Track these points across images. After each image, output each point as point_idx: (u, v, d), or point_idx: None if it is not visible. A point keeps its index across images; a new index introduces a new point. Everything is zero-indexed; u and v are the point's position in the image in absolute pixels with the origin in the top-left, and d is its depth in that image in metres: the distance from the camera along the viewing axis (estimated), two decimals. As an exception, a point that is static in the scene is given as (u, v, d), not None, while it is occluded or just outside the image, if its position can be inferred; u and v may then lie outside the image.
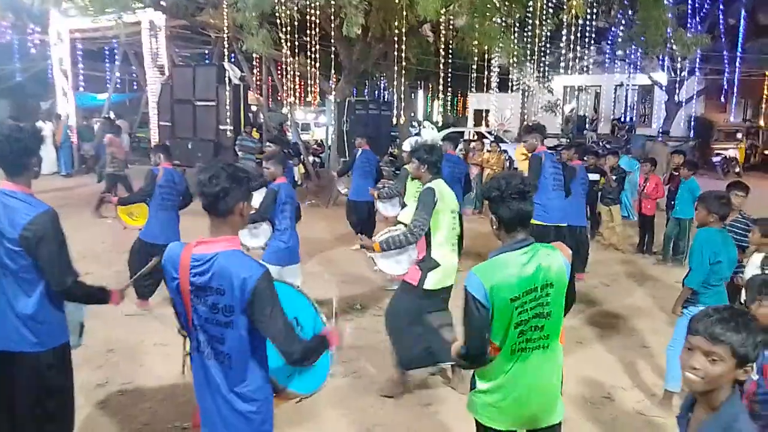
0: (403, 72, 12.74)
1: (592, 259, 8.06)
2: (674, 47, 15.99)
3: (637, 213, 9.43)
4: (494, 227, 2.49)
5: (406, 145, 7.62)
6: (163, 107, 15.06)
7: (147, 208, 6.02)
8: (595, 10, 14.94)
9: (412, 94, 30.22)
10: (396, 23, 11.58)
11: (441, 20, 11.90)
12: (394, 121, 14.96)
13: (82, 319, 3.16)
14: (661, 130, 20.71)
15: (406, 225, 4.52)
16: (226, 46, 13.73)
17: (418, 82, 29.45)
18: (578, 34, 14.85)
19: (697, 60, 19.91)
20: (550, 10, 13.46)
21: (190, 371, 2.56)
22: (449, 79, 15.60)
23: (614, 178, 9.33)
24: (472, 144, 13.79)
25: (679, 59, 19.60)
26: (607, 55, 21.83)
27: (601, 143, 20.45)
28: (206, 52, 21.37)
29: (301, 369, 2.50)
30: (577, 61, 17.55)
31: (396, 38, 11.87)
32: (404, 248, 4.19)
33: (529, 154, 6.51)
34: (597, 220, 9.83)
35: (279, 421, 2.58)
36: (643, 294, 7.23)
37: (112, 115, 18.47)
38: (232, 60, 15.69)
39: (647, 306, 6.76)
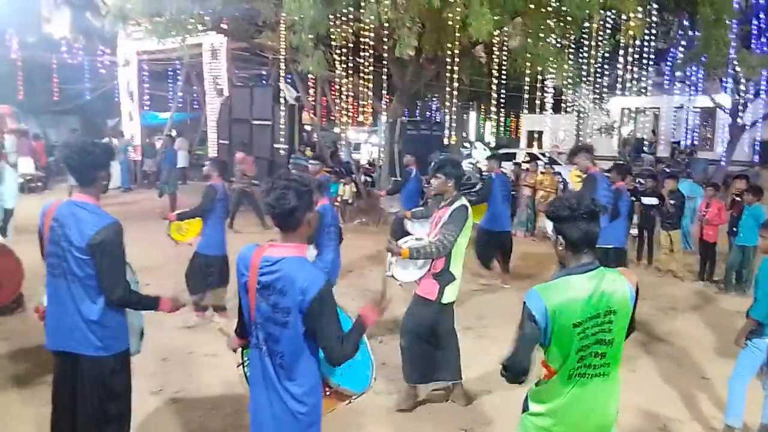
0: (455, 92, 12.77)
1: (647, 284, 7.79)
2: (738, 69, 15.44)
3: (698, 239, 9.07)
4: (560, 248, 2.44)
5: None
6: (221, 126, 15.59)
7: (197, 223, 6.15)
8: (653, 31, 14.61)
9: (464, 115, 30.25)
10: (449, 44, 11.65)
11: (494, 41, 11.91)
12: (446, 141, 14.95)
13: (143, 325, 3.28)
14: (723, 154, 19.95)
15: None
16: (283, 67, 14.12)
17: (471, 103, 29.46)
18: (636, 55, 14.57)
19: (763, 82, 19.12)
20: (607, 31, 13.28)
21: (244, 384, 2.67)
22: (502, 100, 15.53)
23: (672, 202, 9.04)
24: (525, 165, 13.62)
25: (744, 81, 18.86)
26: (666, 77, 21.23)
27: (659, 167, 19.82)
28: (263, 73, 22.05)
29: (345, 366, 2.53)
30: (634, 82, 17.13)
31: (448, 59, 11.94)
32: (427, 260, 4.22)
33: (583, 175, 6.39)
34: (651, 244, 9.53)
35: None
36: (703, 323, 6.92)
37: (173, 133, 19.21)
38: (288, 81, 16.12)
39: (707, 336, 6.47)
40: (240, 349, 2.74)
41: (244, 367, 2.71)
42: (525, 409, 2.54)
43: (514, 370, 2.39)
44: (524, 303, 2.34)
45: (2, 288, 4.09)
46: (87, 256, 2.81)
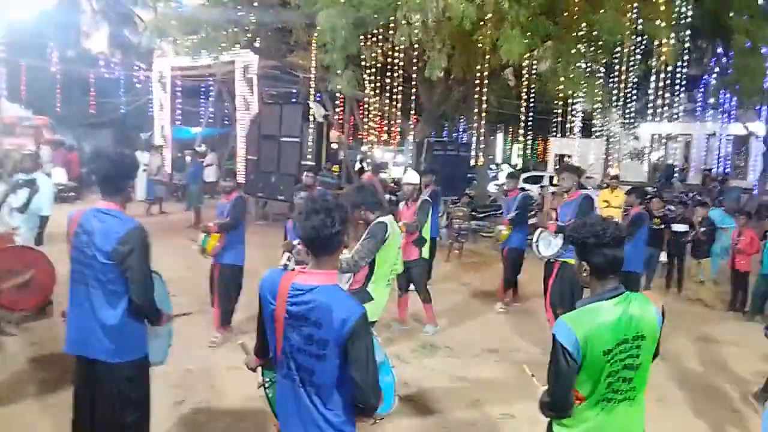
0: (483, 114, 12.78)
1: (677, 312, 7.62)
2: (773, 97, 15.18)
3: (731, 268, 8.85)
4: (584, 274, 2.42)
5: (411, 176, 7.38)
6: (250, 142, 15.80)
7: (215, 235, 5.90)
8: (686, 57, 14.47)
9: (492, 137, 30.18)
10: (478, 66, 11.69)
11: (523, 64, 11.92)
12: (472, 162, 14.93)
13: (171, 330, 3.31)
14: (756, 183, 19.54)
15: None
16: (313, 85, 14.31)
17: (498, 125, 29.41)
18: (668, 81, 14.42)
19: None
20: (638, 56, 13.19)
21: (266, 405, 2.62)
22: (530, 123, 15.49)
23: (703, 230, 8.86)
24: (552, 189, 13.51)
25: (778, 109, 18.54)
26: (698, 103, 20.97)
27: (690, 195, 19.50)
28: (293, 91, 22.36)
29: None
30: (665, 108, 16.95)
31: (477, 81, 11.97)
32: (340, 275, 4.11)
33: (568, 198, 6.02)
34: (681, 271, 9.33)
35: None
36: (733, 354, 6.71)
37: (203, 147, 19.53)
38: (318, 99, 16.31)
39: (738, 367, 6.27)
40: (260, 369, 2.68)
41: (266, 388, 2.65)
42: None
43: (557, 408, 2.35)
44: (554, 335, 2.30)
45: (35, 294, 4.17)
46: (112, 260, 2.85)
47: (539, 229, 6.01)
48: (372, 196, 4.46)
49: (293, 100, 21.16)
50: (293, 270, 2.36)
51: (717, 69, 16.51)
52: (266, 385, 2.64)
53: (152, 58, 18.84)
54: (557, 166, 25.26)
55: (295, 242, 5.08)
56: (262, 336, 2.51)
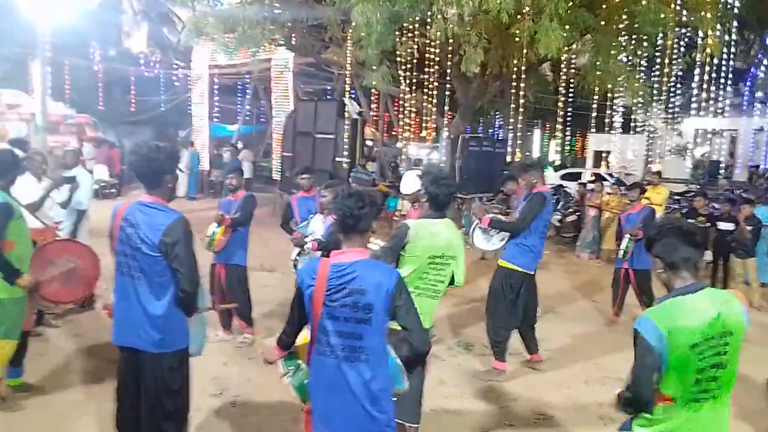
0: (520, 110, 12.59)
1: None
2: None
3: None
4: (659, 271, 2.43)
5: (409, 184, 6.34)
6: (285, 139, 15.92)
7: (220, 231, 5.67)
8: (732, 49, 13.98)
9: (528, 132, 29.81)
10: (515, 61, 11.51)
11: (562, 58, 11.69)
12: (508, 158, 14.73)
13: (204, 322, 3.36)
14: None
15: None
16: (348, 82, 14.34)
17: (535, 121, 29.00)
18: (713, 75, 13.96)
19: None
20: (682, 49, 12.80)
21: (292, 393, 2.74)
22: (568, 118, 15.20)
23: (749, 228, 8.53)
24: (591, 185, 13.23)
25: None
26: (745, 97, 20.27)
27: (736, 191, 18.86)
28: (328, 87, 22.48)
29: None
30: (710, 102, 16.42)
31: (514, 76, 11.79)
32: None
33: (526, 192, 5.63)
34: (726, 272, 9.01)
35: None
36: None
37: (240, 145, 19.79)
38: (352, 95, 16.34)
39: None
40: (281, 360, 2.82)
41: (289, 377, 2.79)
42: (628, 429, 2.44)
43: (636, 402, 2.33)
44: (635, 330, 2.29)
45: (79, 287, 4.26)
46: (158, 252, 2.90)
47: (475, 221, 5.55)
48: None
49: (328, 96, 21.27)
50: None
51: (765, 61, 15.91)
52: (290, 374, 2.79)
53: (191, 56, 19.16)
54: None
55: (307, 239, 5.05)
56: (296, 323, 2.73)
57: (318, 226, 5.29)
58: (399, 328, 2.61)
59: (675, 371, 2.24)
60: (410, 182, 6.17)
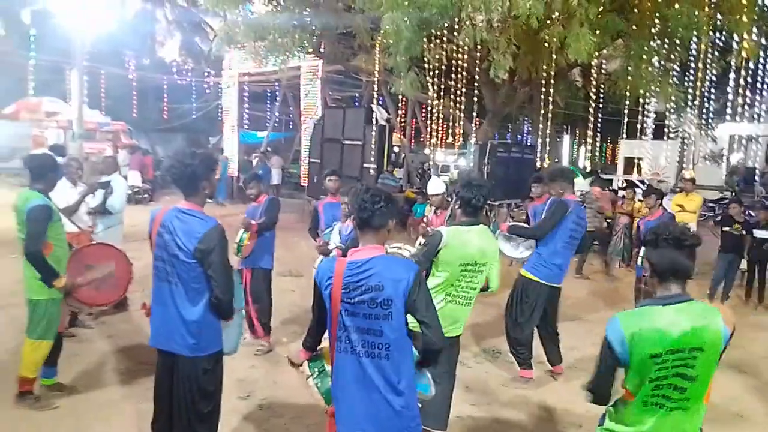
0: (549, 116, 12.47)
1: (755, 323, 7.15)
2: None
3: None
4: (647, 274, 2.44)
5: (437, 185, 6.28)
6: (314, 145, 16.04)
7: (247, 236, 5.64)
8: (769, 53, 13.66)
9: (558, 139, 29.49)
10: (544, 66, 11.41)
11: (592, 63, 11.56)
12: (538, 164, 14.59)
13: (242, 325, 3.44)
14: None
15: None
16: (375, 89, 14.40)
17: (565, 126, 28.69)
18: (748, 79, 13.63)
19: None
20: (716, 53, 12.53)
21: (315, 395, 2.78)
22: (598, 124, 15.00)
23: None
24: (622, 192, 13.02)
25: None
26: (782, 102, 19.72)
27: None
28: (356, 94, 22.62)
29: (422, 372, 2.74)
30: (746, 108, 16.02)
31: (543, 81, 11.69)
32: None
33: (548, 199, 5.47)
34: (763, 281, 8.76)
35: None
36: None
37: (269, 151, 20.04)
38: (380, 102, 16.41)
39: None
40: (307, 362, 2.86)
41: (314, 378, 2.83)
42: (601, 423, 2.51)
43: (595, 396, 2.46)
44: (606, 329, 2.35)
45: (113, 289, 4.37)
46: (194, 259, 2.95)
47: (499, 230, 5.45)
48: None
49: (356, 103, 21.38)
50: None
51: (804, 65, 15.47)
52: (314, 376, 2.82)
53: (222, 64, 19.49)
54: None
55: (331, 246, 5.04)
56: (320, 323, 2.73)
57: (335, 237, 5.32)
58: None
59: (635, 372, 2.30)
60: (436, 184, 6.18)
